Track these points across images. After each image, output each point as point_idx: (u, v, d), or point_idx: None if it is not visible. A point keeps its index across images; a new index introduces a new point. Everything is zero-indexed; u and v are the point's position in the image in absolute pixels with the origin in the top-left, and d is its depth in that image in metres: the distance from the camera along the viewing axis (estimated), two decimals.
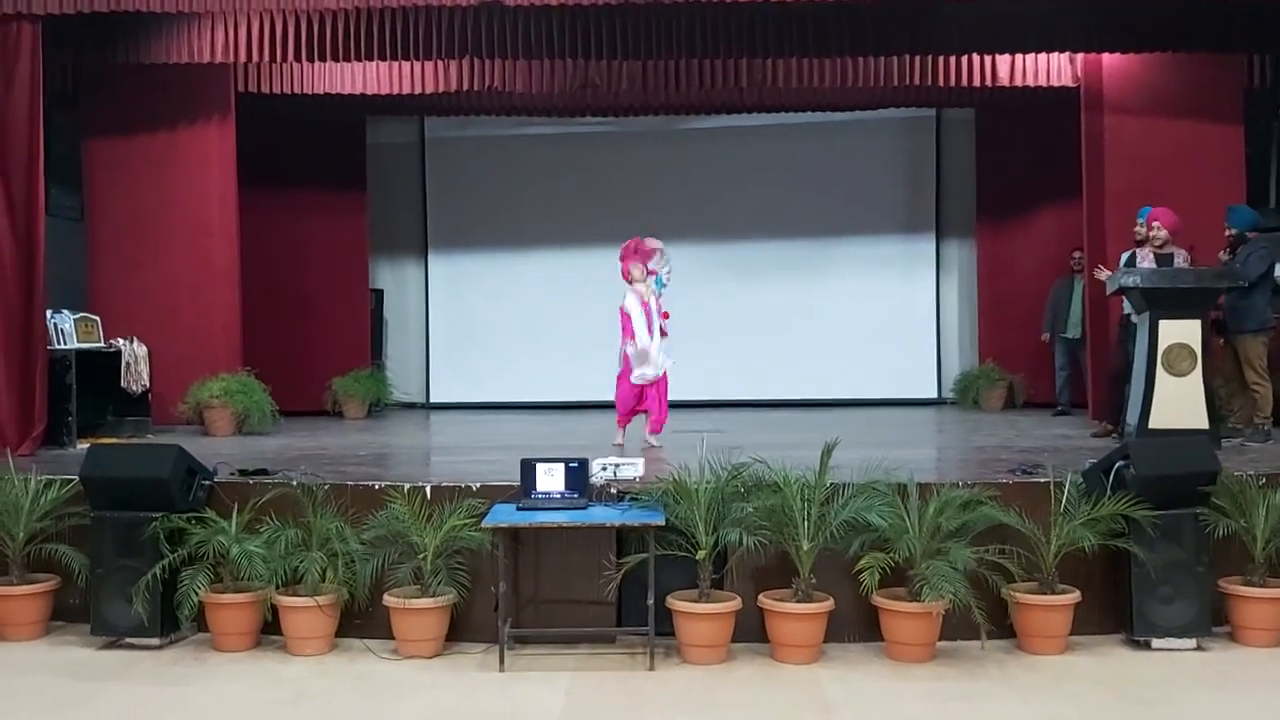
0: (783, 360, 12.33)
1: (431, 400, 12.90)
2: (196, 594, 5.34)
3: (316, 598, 5.34)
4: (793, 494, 5.28)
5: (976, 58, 9.90)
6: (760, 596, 5.35)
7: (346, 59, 9.07)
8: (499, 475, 5.94)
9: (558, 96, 10.90)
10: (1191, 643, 5.35)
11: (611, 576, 5.40)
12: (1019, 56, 9.95)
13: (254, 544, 5.38)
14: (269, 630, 5.50)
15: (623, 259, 7.91)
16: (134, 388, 9.03)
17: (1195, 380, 6.88)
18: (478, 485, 5.74)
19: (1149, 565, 5.30)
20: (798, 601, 5.27)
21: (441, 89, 10.09)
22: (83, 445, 7.66)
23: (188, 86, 9.72)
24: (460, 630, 5.50)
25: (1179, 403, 6.87)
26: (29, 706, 4.76)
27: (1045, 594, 5.35)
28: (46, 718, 4.63)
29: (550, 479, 5.51)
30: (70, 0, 7.75)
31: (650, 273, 7.91)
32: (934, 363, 12.64)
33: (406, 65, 9.85)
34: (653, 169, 12.58)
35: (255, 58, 9.10)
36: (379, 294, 12.77)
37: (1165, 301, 6.95)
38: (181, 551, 5.42)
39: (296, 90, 10.22)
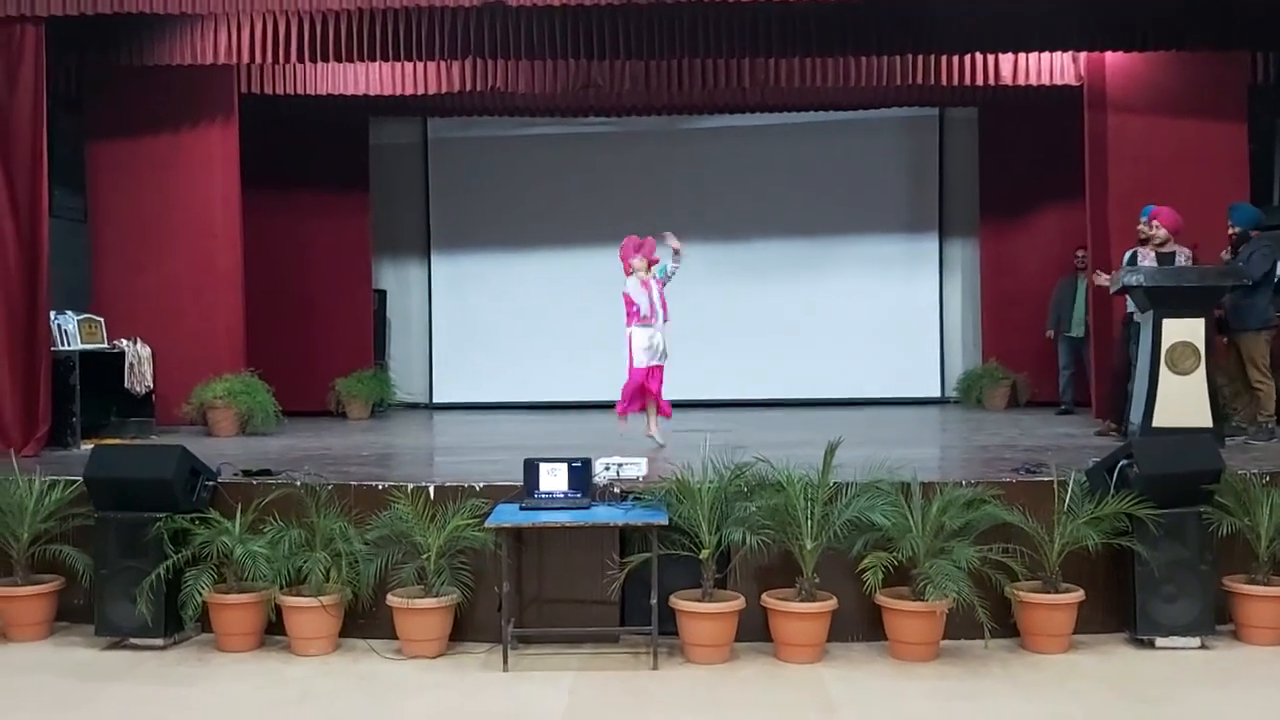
0: (786, 360, 12.32)
1: (434, 400, 12.91)
2: (200, 594, 5.35)
3: (320, 598, 5.35)
4: (796, 493, 5.28)
5: (979, 57, 9.90)
6: (764, 596, 5.35)
7: (349, 60, 9.08)
8: (502, 475, 5.94)
9: (560, 97, 10.90)
10: (1195, 641, 5.35)
11: (615, 576, 5.41)
12: (1022, 55, 9.95)
13: (258, 544, 5.39)
14: (273, 630, 5.51)
15: (623, 256, 7.92)
16: (138, 389, 9.05)
17: (1199, 379, 6.88)
18: (481, 485, 5.74)
19: (1153, 564, 5.29)
20: (801, 601, 5.27)
21: (444, 89, 10.09)
22: (87, 446, 7.67)
23: (191, 88, 9.73)
24: (464, 630, 5.50)
25: (1183, 401, 6.87)
26: (33, 707, 4.76)
27: (1049, 593, 5.34)
28: (50, 718, 4.63)
29: (553, 479, 5.52)
30: (74, 2, 7.76)
31: (653, 262, 7.92)
32: (937, 362, 12.63)
33: (409, 66, 9.86)
34: (656, 169, 12.58)
35: (258, 59, 9.11)
36: (382, 294, 12.77)
37: (1169, 300, 6.95)
38: (185, 552, 5.43)
39: (299, 91, 10.24)
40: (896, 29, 8.97)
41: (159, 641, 5.48)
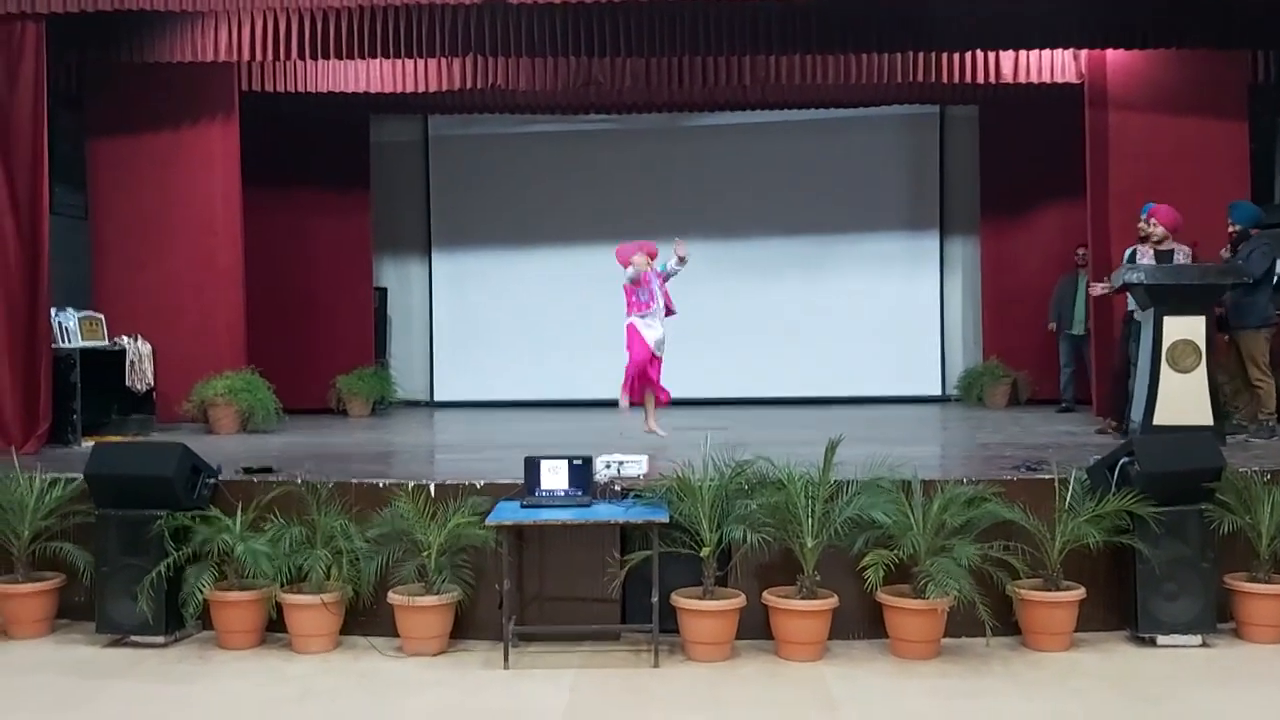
0: (786, 357, 12.32)
1: (435, 398, 12.91)
2: (201, 592, 5.35)
3: (321, 595, 5.35)
4: (797, 491, 5.27)
5: (980, 54, 9.90)
6: (764, 593, 5.35)
7: (350, 57, 9.08)
8: (503, 473, 5.93)
9: (561, 94, 10.89)
10: (1196, 639, 5.35)
11: (615, 574, 5.41)
12: (1023, 53, 9.95)
13: (258, 542, 5.38)
14: (274, 628, 5.51)
15: (621, 259, 7.95)
16: (138, 386, 9.06)
17: (1200, 377, 6.88)
18: (482, 483, 5.74)
19: (1154, 562, 5.29)
20: (802, 599, 5.27)
21: (445, 87, 10.09)
22: (87, 443, 7.67)
23: (191, 85, 9.73)
24: (465, 628, 5.50)
25: (1183, 399, 6.87)
26: (34, 705, 4.76)
27: (1050, 591, 5.34)
28: (51, 716, 4.63)
29: (554, 476, 5.52)
30: None
31: (653, 256, 7.95)
32: (938, 360, 12.63)
33: (410, 63, 9.86)
34: (656, 166, 12.57)
35: (259, 56, 9.11)
36: (383, 292, 12.78)
37: (1170, 298, 6.95)
38: (186, 549, 5.43)
39: (300, 89, 10.24)
40: (897, 26, 8.97)
41: (160, 639, 5.48)
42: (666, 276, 8.09)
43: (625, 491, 5.60)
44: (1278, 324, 8.02)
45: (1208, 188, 8.93)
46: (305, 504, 5.60)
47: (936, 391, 12.54)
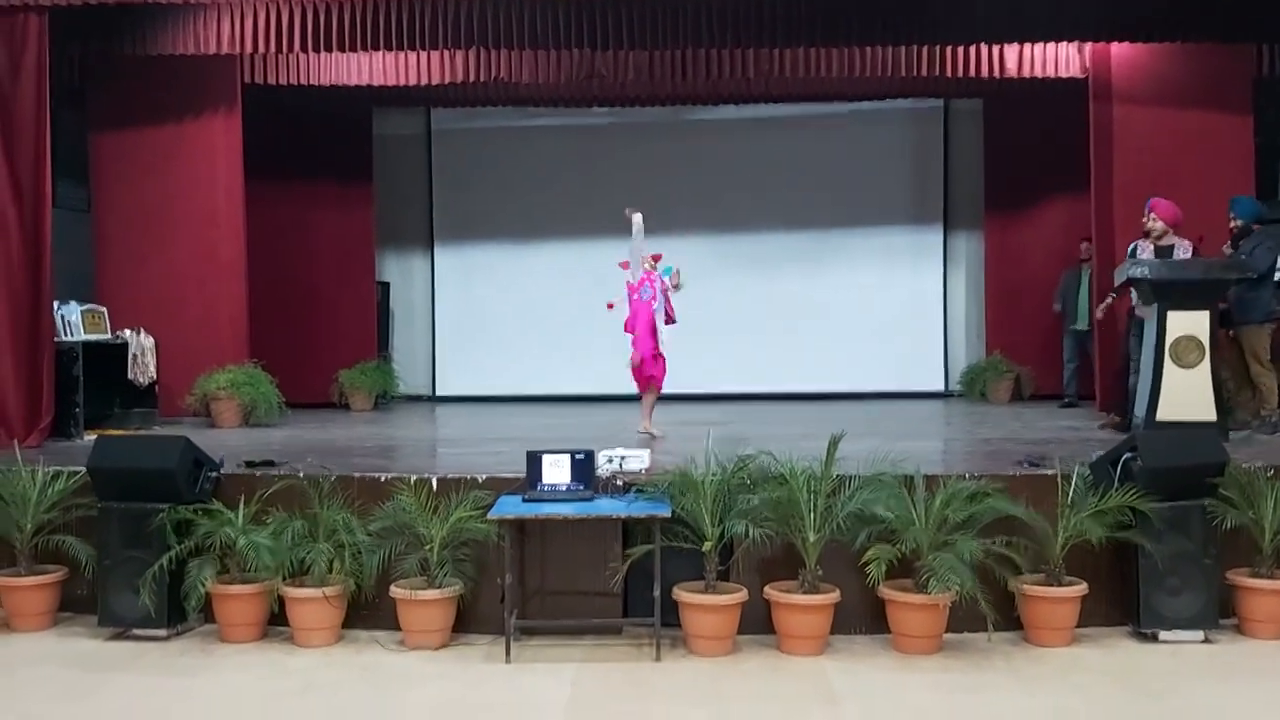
0: (789, 352, 12.31)
1: (438, 393, 12.92)
2: (203, 585, 5.36)
3: (323, 589, 5.35)
4: (799, 486, 5.27)
5: (984, 48, 9.87)
6: (766, 588, 5.35)
7: (353, 50, 9.06)
8: (505, 467, 5.94)
9: (564, 87, 10.88)
10: (1199, 635, 5.34)
11: (617, 568, 5.41)
12: (1027, 46, 9.92)
13: (261, 535, 5.39)
14: (276, 621, 5.52)
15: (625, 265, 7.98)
16: (141, 379, 9.06)
17: (1203, 372, 6.87)
18: (484, 477, 5.74)
19: (1156, 557, 5.28)
20: (804, 593, 5.27)
21: (448, 80, 10.08)
22: (90, 437, 7.68)
23: (194, 78, 9.71)
24: (466, 621, 5.50)
25: (1187, 395, 6.85)
26: (37, 697, 4.77)
27: (1052, 586, 5.34)
28: (54, 708, 4.64)
29: (556, 471, 5.51)
30: None
31: (656, 257, 7.95)
32: (941, 355, 12.62)
33: (413, 56, 9.85)
34: (659, 160, 12.55)
35: (261, 49, 9.08)
36: (385, 286, 12.78)
37: (1173, 293, 6.93)
38: (188, 543, 5.43)
39: (303, 81, 10.22)
40: (901, 20, 8.93)
41: (162, 632, 5.48)
42: (668, 283, 8.06)
43: (627, 486, 5.60)
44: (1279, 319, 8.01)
45: (1212, 182, 8.91)
46: (307, 497, 5.60)
47: (939, 387, 12.53)
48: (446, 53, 9.71)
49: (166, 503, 5.47)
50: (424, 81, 10.11)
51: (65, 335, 8.48)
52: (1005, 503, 5.41)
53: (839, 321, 12.41)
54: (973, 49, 9.86)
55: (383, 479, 5.77)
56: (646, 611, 5.24)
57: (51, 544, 5.80)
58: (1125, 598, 5.48)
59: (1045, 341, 11.39)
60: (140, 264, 9.75)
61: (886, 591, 5.24)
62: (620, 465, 5.77)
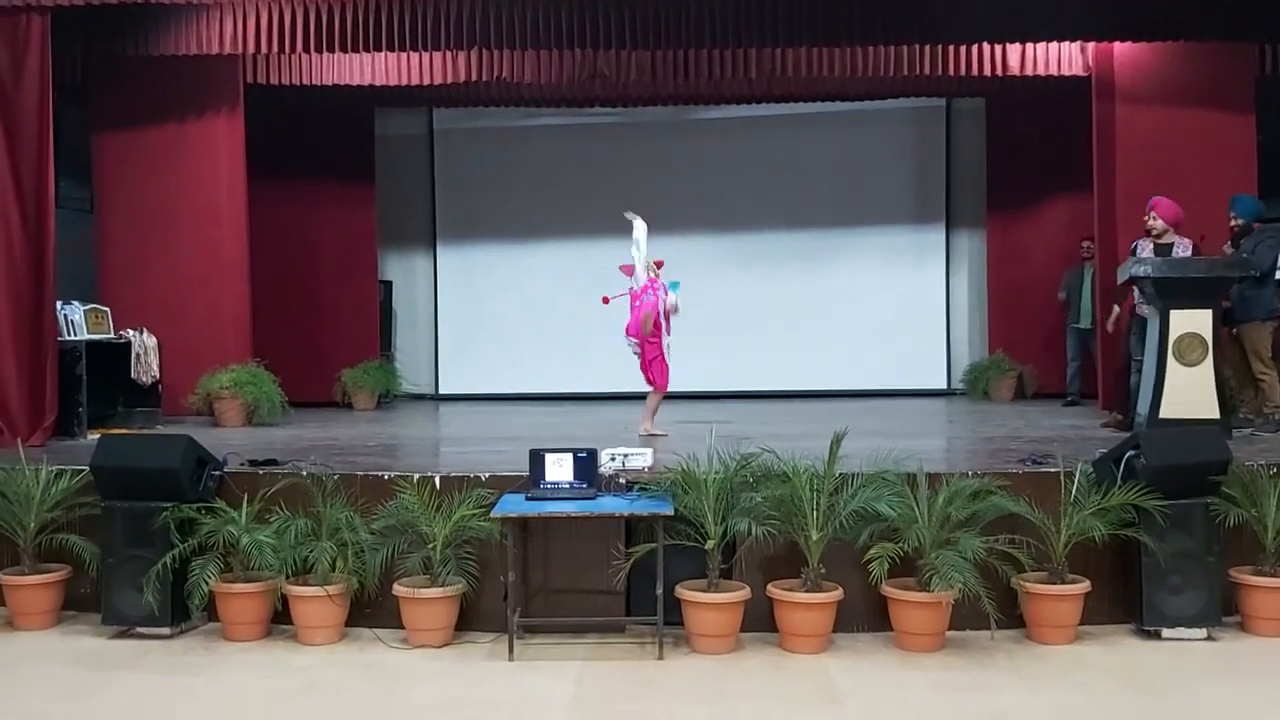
0: (791, 351, 12.33)
1: (440, 391, 12.93)
2: (207, 584, 5.35)
3: (326, 587, 5.35)
4: (802, 484, 5.27)
5: (987, 47, 9.88)
6: (769, 586, 5.35)
7: (355, 50, 9.08)
8: (508, 466, 5.94)
9: (566, 87, 10.89)
10: (1201, 633, 5.34)
11: (620, 566, 5.40)
12: (1029, 46, 9.92)
13: (264, 534, 5.39)
14: (279, 620, 5.52)
15: (626, 272, 7.96)
16: (144, 379, 9.07)
17: (1206, 370, 6.87)
18: (486, 475, 5.74)
19: (1159, 555, 5.28)
20: (807, 591, 5.26)
21: (450, 80, 10.10)
22: (93, 436, 7.68)
23: (196, 78, 9.73)
24: (469, 620, 5.51)
25: (1190, 393, 6.85)
26: (41, 696, 4.77)
27: (1055, 584, 5.33)
28: (58, 707, 4.64)
29: (559, 469, 5.51)
30: None
31: (659, 265, 7.95)
32: (943, 353, 12.63)
33: (415, 56, 9.87)
34: (662, 160, 12.57)
35: (264, 49, 9.11)
36: (388, 285, 12.79)
37: (1177, 291, 6.93)
38: (192, 541, 5.43)
39: (305, 82, 10.25)
40: (903, 19, 8.94)
41: (165, 630, 5.48)
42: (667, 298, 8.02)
43: (630, 484, 5.60)
44: None
45: (1215, 181, 8.90)
46: (310, 496, 5.61)
47: (942, 385, 12.54)
48: (449, 53, 9.73)
49: (170, 501, 5.47)
50: (426, 81, 10.13)
51: (68, 335, 8.49)
52: (1008, 501, 5.41)
53: (841, 320, 12.42)
54: (975, 48, 9.87)
55: (386, 477, 5.77)
56: (649, 609, 5.24)
57: (55, 543, 5.81)
58: (1128, 595, 5.48)
59: (1048, 340, 11.39)
60: (143, 263, 9.77)
61: (889, 589, 5.24)
62: (623, 463, 5.77)
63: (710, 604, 5.25)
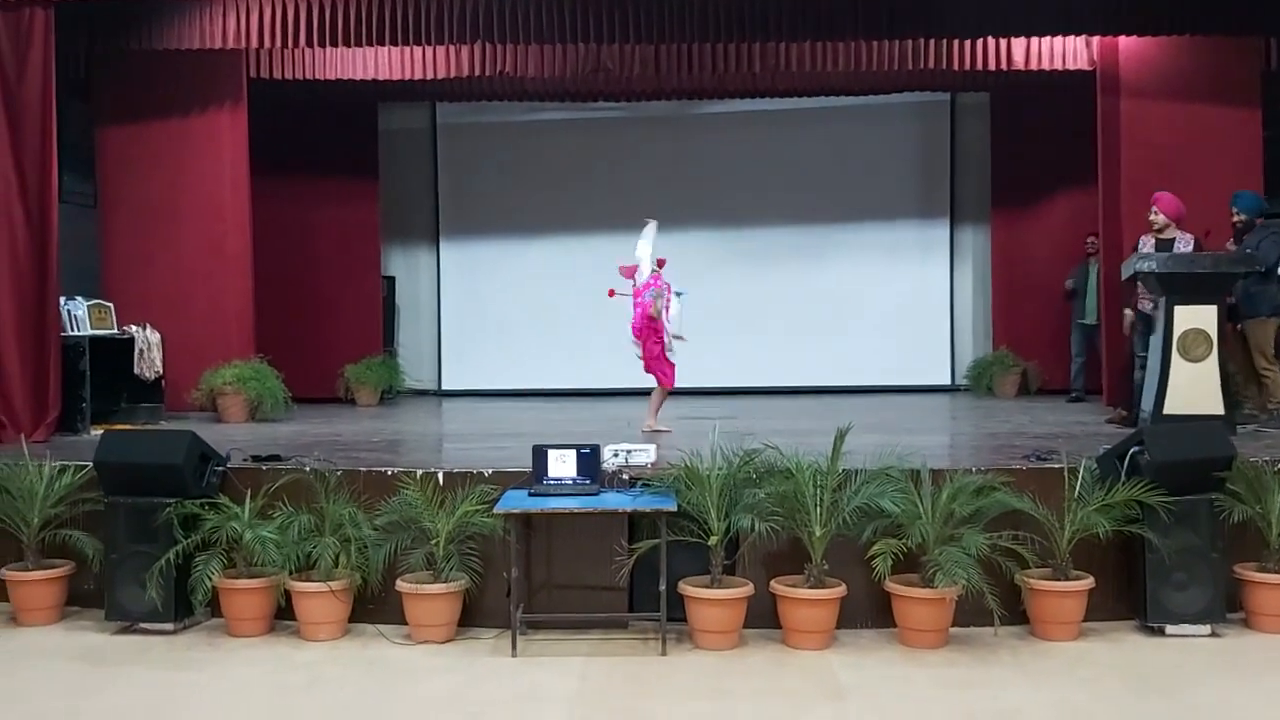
0: (795, 347, 12.31)
1: (443, 387, 12.92)
2: (210, 579, 5.36)
3: (329, 583, 5.36)
4: (805, 480, 5.26)
5: (991, 41, 9.85)
6: (772, 582, 5.34)
7: (358, 44, 9.07)
8: (511, 462, 5.94)
9: (570, 81, 10.88)
10: (1205, 629, 5.33)
11: (623, 562, 5.40)
12: (1034, 40, 9.90)
13: (267, 529, 5.39)
14: (282, 615, 5.52)
15: (625, 274, 7.95)
16: (147, 374, 9.08)
17: (1210, 366, 6.85)
18: (490, 471, 5.74)
19: (1163, 551, 5.27)
20: (810, 587, 5.26)
21: (453, 74, 10.09)
22: (96, 431, 7.70)
23: (200, 73, 9.73)
24: (473, 615, 5.51)
25: (1194, 388, 6.83)
26: (44, 692, 4.78)
27: (1059, 580, 5.33)
28: (61, 703, 4.65)
29: (562, 465, 5.51)
30: None
31: (661, 263, 7.94)
32: (948, 349, 12.60)
33: (418, 50, 9.85)
34: (665, 154, 12.55)
35: (267, 43, 9.10)
36: (391, 281, 12.79)
37: (1181, 287, 6.91)
38: (195, 537, 5.44)
39: (308, 76, 10.24)
40: (908, 13, 8.91)
41: (169, 626, 5.49)
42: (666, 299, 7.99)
43: (633, 480, 5.60)
44: None
45: (1220, 176, 8.87)
46: (314, 492, 5.61)
47: (946, 381, 12.52)
48: (452, 47, 9.72)
49: (173, 497, 5.48)
50: (429, 76, 10.11)
51: (72, 330, 8.49)
52: (1012, 497, 5.40)
53: (845, 316, 12.40)
54: (980, 43, 9.85)
55: (389, 473, 5.77)
56: (652, 605, 5.24)
57: (58, 538, 5.82)
58: (1132, 592, 5.47)
59: (1052, 336, 11.37)
60: (146, 259, 9.77)
61: (892, 585, 5.24)
62: (626, 459, 5.77)
63: (713, 600, 5.25)
